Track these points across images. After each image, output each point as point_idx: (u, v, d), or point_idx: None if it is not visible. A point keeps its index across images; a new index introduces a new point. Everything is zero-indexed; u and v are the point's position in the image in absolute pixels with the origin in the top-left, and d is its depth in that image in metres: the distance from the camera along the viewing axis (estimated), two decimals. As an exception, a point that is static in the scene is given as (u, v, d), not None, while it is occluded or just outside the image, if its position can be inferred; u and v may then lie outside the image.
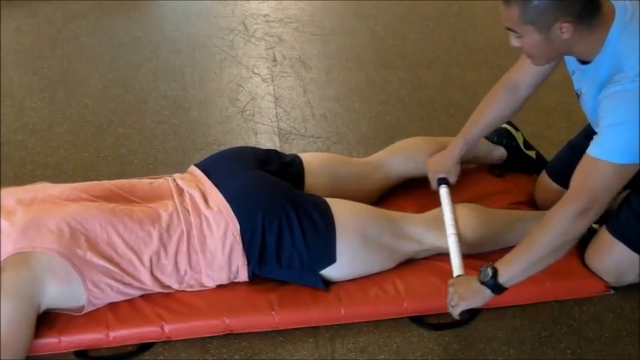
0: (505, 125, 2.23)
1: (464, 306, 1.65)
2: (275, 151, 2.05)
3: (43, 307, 1.65)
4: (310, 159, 2.05)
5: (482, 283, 1.63)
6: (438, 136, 2.57)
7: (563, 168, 1.92)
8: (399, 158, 2.15)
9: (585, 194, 1.53)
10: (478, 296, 1.64)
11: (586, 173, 1.56)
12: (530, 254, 1.59)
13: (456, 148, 2.00)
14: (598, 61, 1.59)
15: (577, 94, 1.78)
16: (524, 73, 1.91)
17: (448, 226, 1.87)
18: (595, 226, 1.95)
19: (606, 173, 1.52)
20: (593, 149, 1.55)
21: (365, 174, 2.09)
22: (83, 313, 1.71)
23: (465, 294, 1.65)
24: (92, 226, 1.69)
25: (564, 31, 1.50)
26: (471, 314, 1.67)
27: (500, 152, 2.26)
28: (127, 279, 1.71)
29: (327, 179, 2.02)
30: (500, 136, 2.25)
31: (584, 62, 1.65)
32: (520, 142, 2.25)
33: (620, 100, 1.51)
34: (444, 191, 1.99)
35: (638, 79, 1.49)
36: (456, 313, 1.67)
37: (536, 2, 1.48)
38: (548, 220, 1.58)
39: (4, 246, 1.62)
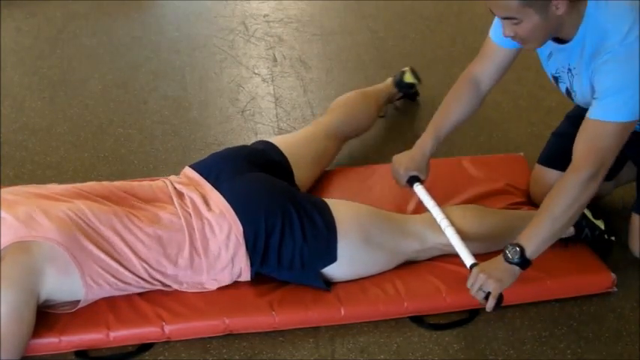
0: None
1: (501, 289, 1.65)
2: (263, 150, 2.06)
3: (42, 298, 1.65)
4: (292, 152, 2.09)
5: (510, 262, 1.65)
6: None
7: (556, 153, 2.07)
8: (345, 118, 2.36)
9: (594, 158, 1.62)
10: (511, 275, 1.66)
11: (592, 137, 1.64)
12: (550, 225, 1.66)
13: (426, 145, 1.97)
14: (582, 35, 1.66)
15: (555, 76, 1.84)
16: (485, 68, 1.95)
17: (440, 220, 1.85)
18: (598, 222, 1.96)
19: (613, 134, 1.62)
20: (597, 113, 1.63)
21: (325, 147, 2.24)
22: (79, 307, 1.71)
23: (500, 276, 1.65)
24: (92, 222, 1.69)
25: (559, 7, 1.57)
26: (498, 300, 1.67)
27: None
28: (126, 275, 1.71)
29: (311, 167, 2.15)
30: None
31: (561, 42, 1.72)
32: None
33: (616, 64, 1.60)
34: (420, 188, 1.95)
35: (625, 41, 1.59)
36: (494, 300, 1.64)
37: None
38: (560, 189, 1.65)
39: (4, 235, 1.63)
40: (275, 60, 3.14)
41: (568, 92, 1.87)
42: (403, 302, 1.82)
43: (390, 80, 2.67)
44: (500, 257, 1.68)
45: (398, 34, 3.38)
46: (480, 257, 1.88)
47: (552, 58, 1.82)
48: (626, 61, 1.59)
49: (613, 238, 2.00)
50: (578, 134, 1.67)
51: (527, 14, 1.57)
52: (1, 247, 1.62)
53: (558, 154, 2.00)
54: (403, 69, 2.68)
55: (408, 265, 1.92)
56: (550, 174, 2.09)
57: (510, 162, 2.37)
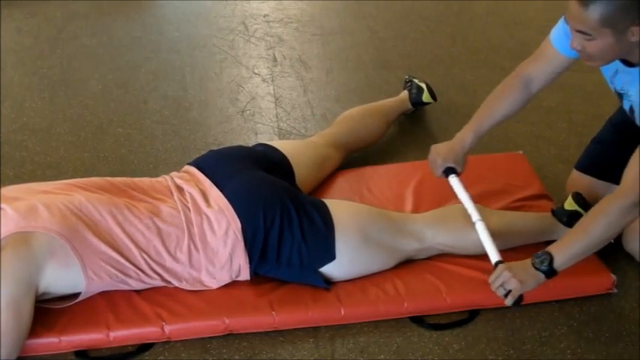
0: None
1: (522, 290, 1.66)
2: (263, 151, 2.06)
3: (41, 290, 1.65)
4: (293, 153, 2.09)
5: (537, 269, 1.65)
6: (438, 137, 2.59)
7: (593, 160, 2.05)
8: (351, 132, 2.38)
9: (637, 188, 1.58)
10: (535, 280, 1.67)
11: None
12: (583, 242, 1.66)
13: (466, 139, 1.97)
14: None
15: (620, 93, 1.82)
16: (539, 69, 1.92)
17: (472, 213, 1.85)
18: None
19: None
20: None
21: (327, 154, 2.25)
22: (78, 300, 1.72)
23: (524, 278, 1.66)
24: (93, 214, 1.70)
25: (635, 33, 1.55)
26: (518, 300, 1.68)
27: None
28: (127, 266, 1.72)
29: (312, 170, 2.14)
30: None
31: (628, 64, 1.69)
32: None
33: None
34: (456, 180, 1.95)
35: None
36: (513, 299, 1.66)
37: (619, 5, 1.50)
38: (602, 211, 1.64)
39: (4, 225, 1.63)
40: (275, 60, 3.14)
41: (632, 110, 1.84)
42: (403, 302, 1.82)
43: (405, 96, 2.61)
44: (527, 261, 1.68)
45: (398, 34, 3.38)
46: (480, 258, 1.89)
47: (618, 75, 1.79)
48: None
49: (612, 240, 2.00)
50: (631, 158, 1.63)
51: (603, 34, 1.55)
52: (1, 238, 1.62)
53: (596, 162, 2.01)
54: (420, 83, 2.62)
55: (408, 265, 1.93)
56: (587, 181, 2.08)
57: (511, 160, 2.37)
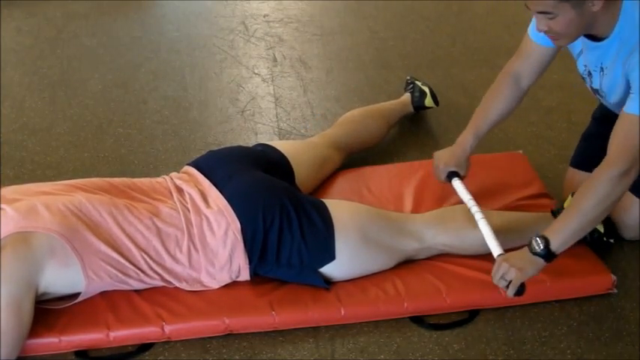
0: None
1: (522, 278, 1.65)
2: (263, 151, 2.06)
3: (41, 290, 1.65)
4: (293, 153, 2.09)
5: (535, 253, 1.65)
6: (438, 137, 2.59)
7: (586, 155, 2.09)
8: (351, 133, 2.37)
9: (627, 154, 1.61)
10: (534, 266, 1.66)
11: (627, 132, 1.63)
12: (579, 219, 1.65)
13: (466, 142, 2.00)
14: (618, 33, 1.66)
15: (587, 73, 1.83)
16: (524, 64, 1.95)
17: (475, 212, 1.86)
18: (597, 226, 1.96)
19: None
20: (634, 107, 1.61)
21: (327, 155, 2.24)
22: (78, 301, 1.72)
23: (523, 266, 1.66)
24: (93, 214, 1.70)
25: (595, 3, 1.57)
26: (519, 290, 1.68)
27: None
28: (127, 266, 1.72)
29: (312, 170, 2.14)
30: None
31: (595, 39, 1.71)
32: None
33: None
34: (459, 183, 1.97)
35: None
36: (514, 288, 1.66)
37: None
38: (591, 185, 1.64)
39: (5, 225, 1.63)
40: (275, 60, 3.15)
41: (595, 91, 1.87)
42: (403, 302, 1.82)
43: (407, 99, 2.61)
44: (525, 248, 1.69)
45: (398, 34, 3.38)
46: (480, 258, 1.89)
47: (583, 55, 1.82)
48: None
49: (612, 240, 2.00)
50: (614, 129, 1.66)
51: (563, 9, 1.58)
52: (1, 237, 1.62)
53: (589, 156, 2.02)
54: (423, 87, 2.61)
55: (408, 265, 1.93)
56: (582, 177, 2.08)
57: (511, 160, 2.37)
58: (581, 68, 1.87)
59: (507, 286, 1.67)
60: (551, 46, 1.85)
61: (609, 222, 2.00)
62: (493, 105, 2.01)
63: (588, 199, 1.64)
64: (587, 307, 1.89)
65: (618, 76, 1.72)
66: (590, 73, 1.84)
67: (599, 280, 1.90)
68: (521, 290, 1.67)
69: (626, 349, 1.77)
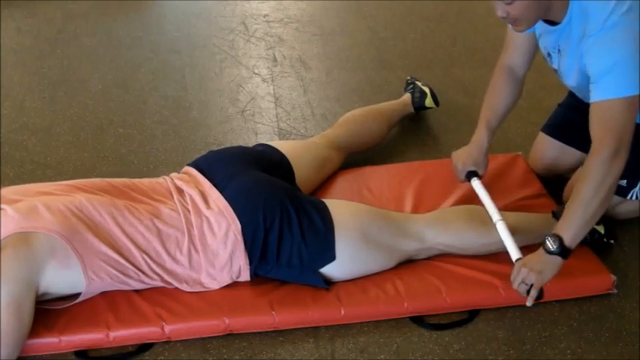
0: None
1: (543, 281, 1.66)
2: (263, 151, 2.06)
3: (41, 290, 1.65)
4: (293, 153, 2.10)
5: (551, 252, 1.66)
6: (438, 137, 2.59)
7: (559, 123, 2.19)
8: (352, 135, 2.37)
9: (610, 136, 1.64)
10: (553, 266, 1.67)
11: (602, 118, 1.67)
12: (583, 210, 1.66)
13: (482, 139, 2.03)
14: (569, 19, 1.73)
15: (547, 54, 1.92)
16: (513, 55, 2.03)
17: (492, 213, 1.87)
18: (598, 227, 1.96)
19: (621, 110, 1.64)
20: (599, 94, 1.67)
21: (327, 155, 2.25)
22: (78, 301, 1.72)
23: (542, 268, 1.66)
24: (93, 215, 1.70)
25: None
26: (539, 294, 1.68)
27: None
28: (127, 267, 1.72)
29: (312, 171, 2.14)
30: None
31: (552, 23, 1.79)
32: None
33: (603, 47, 1.66)
34: (477, 183, 1.99)
35: (607, 23, 1.63)
36: (536, 292, 1.66)
37: None
38: (586, 173, 1.67)
39: (5, 225, 1.63)
40: (275, 60, 3.15)
41: (555, 71, 1.95)
42: (403, 302, 1.82)
43: (407, 99, 2.61)
44: (540, 249, 1.69)
45: (398, 34, 3.38)
46: (482, 258, 1.89)
47: (542, 38, 1.89)
48: (612, 41, 1.64)
49: (612, 241, 2.01)
50: (590, 120, 1.69)
51: None
52: (2, 238, 1.62)
53: (561, 124, 2.11)
54: (423, 87, 2.62)
55: (408, 265, 1.93)
56: (552, 143, 2.18)
57: (511, 160, 2.37)
58: (542, 50, 1.94)
59: (528, 291, 1.67)
60: (531, 31, 1.90)
61: (609, 223, 2.00)
62: (498, 99, 2.05)
63: (587, 188, 1.65)
64: (587, 307, 1.89)
65: (572, 59, 1.79)
66: (549, 54, 1.91)
67: (599, 281, 1.90)
68: (540, 295, 1.67)
69: (626, 349, 1.77)
